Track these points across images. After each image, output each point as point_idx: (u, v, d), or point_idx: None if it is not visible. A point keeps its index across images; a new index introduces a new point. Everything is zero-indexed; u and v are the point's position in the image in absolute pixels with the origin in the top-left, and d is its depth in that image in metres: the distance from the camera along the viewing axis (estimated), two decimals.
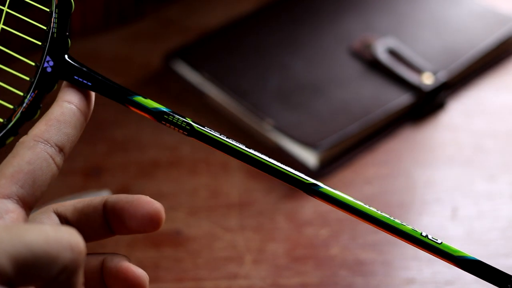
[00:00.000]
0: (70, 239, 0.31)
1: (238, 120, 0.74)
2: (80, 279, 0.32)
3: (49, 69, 0.40)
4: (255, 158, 0.40)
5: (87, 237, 0.40)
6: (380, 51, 0.77)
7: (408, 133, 0.73)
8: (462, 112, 0.75)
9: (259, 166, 0.40)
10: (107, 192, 0.65)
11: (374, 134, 0.72)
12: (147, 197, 0.40)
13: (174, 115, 0.40)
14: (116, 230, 0.40)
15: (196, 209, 0.65)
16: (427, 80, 0.74)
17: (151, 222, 0.39)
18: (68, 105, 0.38)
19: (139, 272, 0.39)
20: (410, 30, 0.81)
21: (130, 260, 0.40)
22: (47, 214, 0.39)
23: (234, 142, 0.40)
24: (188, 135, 0.40)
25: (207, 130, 0.40)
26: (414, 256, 0.61)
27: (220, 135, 0.40)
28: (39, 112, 0.40)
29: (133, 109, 0.40)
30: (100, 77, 0.40)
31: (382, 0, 0.85)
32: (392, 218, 0.40)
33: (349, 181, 0.68)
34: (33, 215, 0.39)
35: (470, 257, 0.40)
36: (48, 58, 0.40)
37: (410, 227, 0.40)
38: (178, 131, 0.40)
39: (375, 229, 0.40)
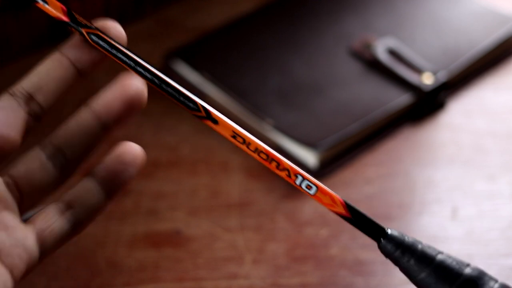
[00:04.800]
0: None
1: (238, 120, 0.74)
2: None
3: None
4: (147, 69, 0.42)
5: None
6: (380, 51, 0.77)
7: (408, 133, 0.73)
8: (462, 112, 0.75)
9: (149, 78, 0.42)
10: None
11: (374, 134, 0.72)
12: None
13: None
14: None
15: (196, 209, 0.65)
16: (427, 80, 0.74)
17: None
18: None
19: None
20: (410, 30, 0.81)
21: None
22: None
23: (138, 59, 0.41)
24: (95, 28, 0.40)
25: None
26: None
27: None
28: None
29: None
30: None
31: (382, 0, 0.85)
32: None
33: (349, 181, 0.68)
34: None
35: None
36: None
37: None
38: (87, 23, 0.41)
39: None
